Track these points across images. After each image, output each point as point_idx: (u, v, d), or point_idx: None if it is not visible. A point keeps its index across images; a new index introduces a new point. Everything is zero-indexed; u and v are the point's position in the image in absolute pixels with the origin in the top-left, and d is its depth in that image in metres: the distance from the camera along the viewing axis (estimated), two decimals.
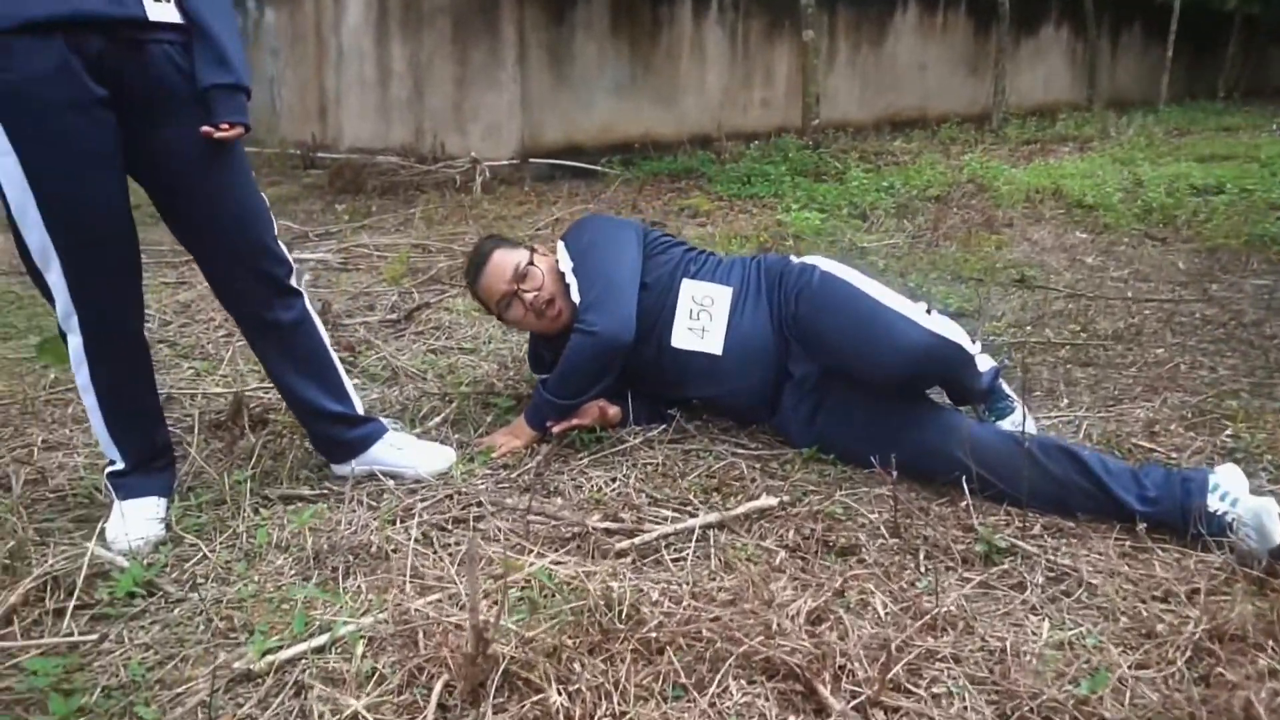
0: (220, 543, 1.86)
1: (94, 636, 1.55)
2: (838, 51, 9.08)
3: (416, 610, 1.60)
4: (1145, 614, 1.60)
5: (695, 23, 7.73)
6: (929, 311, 2.01)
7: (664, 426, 2.34)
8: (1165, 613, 1.61)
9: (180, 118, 1.76)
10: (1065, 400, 2.58)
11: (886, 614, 1.61)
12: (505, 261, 2.27)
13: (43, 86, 1.62)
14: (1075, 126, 9.47)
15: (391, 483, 2.08)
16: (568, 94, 6.96)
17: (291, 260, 1.98)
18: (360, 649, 1.52)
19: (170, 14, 1.74)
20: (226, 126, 1.76)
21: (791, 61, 8.24)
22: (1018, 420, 2.24)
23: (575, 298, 2.20)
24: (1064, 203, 5.43)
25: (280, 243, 1.96)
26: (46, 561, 1.75)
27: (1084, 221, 5.03)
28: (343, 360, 2.77)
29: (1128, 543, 1.84)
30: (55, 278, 1.74)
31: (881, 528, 1.88)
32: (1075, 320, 3.29)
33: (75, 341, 1.82)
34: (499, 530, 1.88)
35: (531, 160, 6.69)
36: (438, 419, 2.40)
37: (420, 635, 1.54)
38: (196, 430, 2.32)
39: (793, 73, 8.17)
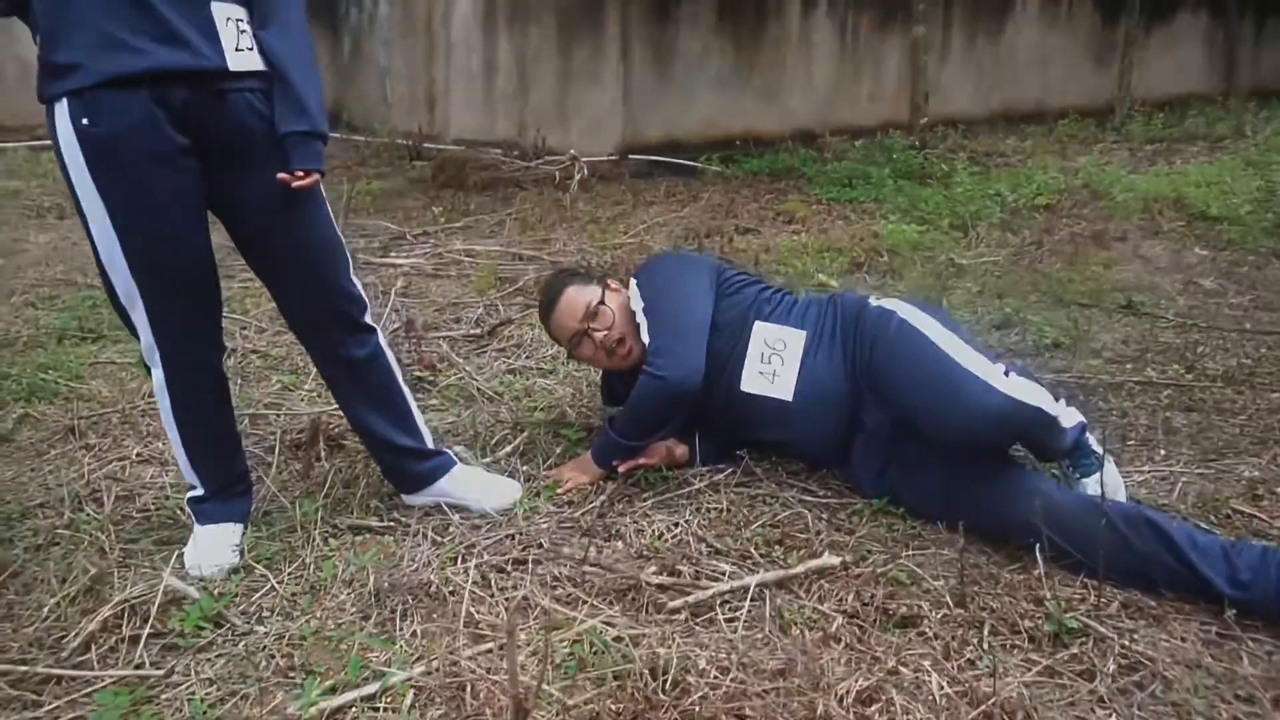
0: (289, 573, 1.92)
1: (160, 671, 1.62)
2: (952, 43, 8.75)
3: (466, 662, 1.62)
4: (1223, 716, 1.51)
5: (802, 16, 7.57)
6: (1007, 373, 1.92)
7: (732, 469, 2.30)
8: (1247, 716, 1.51)
9: (261, 164, 1.81)
10: (1162, 451, 2.44)
11: (941, 697, 1.55)
12: (577, 299, 2.27)
13: (129, 138, 1.68)
14: (1207, 123, 8.89)
15: (457, 517, 2.11)
16: (670, 90, 6.92)
17: (366, 298, 2.02)
18: (409, 699, 1.55)
19: (252, 62, 1.79)
20: (302, 174, 1.80)
21: (902, 55, 7.99)
22: (1105, 479, 2.13)
23: (646, 338, 2.19)
24: (1185, 214, 5.11)
25: (356, 280, 2.00)
26: (126, 587, 1.83)
27: (1205, 236, 4.72)
28: (422, 380, 2.85)
29: (1213, 629, 1.73)
30: (139, 317, 1.82)
31: (946, 596, 1.82)
32: (1182, 357, 3.11)
33: (158, 375, 1.90)
34: (555, 577, 1.89)
35: (631, 157, 6.68)
36: (508, 449, 2.42)
37: (468, 689, 1.56)
38: (277, 451, 2.40)
39: (903, 66, 7.92)
